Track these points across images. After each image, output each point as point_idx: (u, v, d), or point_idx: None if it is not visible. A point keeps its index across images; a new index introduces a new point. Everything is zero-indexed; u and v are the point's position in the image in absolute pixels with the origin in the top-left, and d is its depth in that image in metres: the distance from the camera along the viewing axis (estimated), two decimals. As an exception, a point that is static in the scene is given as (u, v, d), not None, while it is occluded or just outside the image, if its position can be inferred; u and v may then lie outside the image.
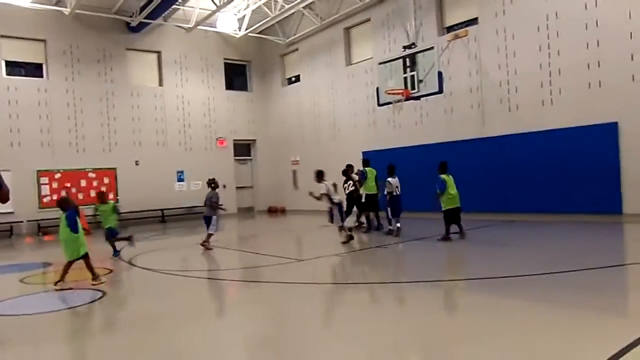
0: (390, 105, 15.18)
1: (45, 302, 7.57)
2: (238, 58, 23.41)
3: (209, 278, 8.41)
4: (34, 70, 19.10)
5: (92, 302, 7.09)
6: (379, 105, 15.63)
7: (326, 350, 4.66)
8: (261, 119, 23.83)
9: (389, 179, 12.13)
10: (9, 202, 5.55)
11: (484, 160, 14.78)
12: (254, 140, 23.80)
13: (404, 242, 11.29)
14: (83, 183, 19.31)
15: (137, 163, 20.34)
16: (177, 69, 21.53)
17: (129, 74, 20.62)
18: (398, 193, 12.15)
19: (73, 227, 7.95)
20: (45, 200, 18.40)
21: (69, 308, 7.07)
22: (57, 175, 18.81)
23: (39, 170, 18.24)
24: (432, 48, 13.81)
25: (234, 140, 23.08)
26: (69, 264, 8.03)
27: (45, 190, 18.52)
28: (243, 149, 23.65)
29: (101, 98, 19.85)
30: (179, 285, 8.21)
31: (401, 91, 14.26)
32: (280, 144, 23.21)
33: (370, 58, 18.24)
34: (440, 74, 13.54)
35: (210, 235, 11.70)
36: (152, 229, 17.75)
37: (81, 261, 8.08)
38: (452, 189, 11.00)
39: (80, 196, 18.86)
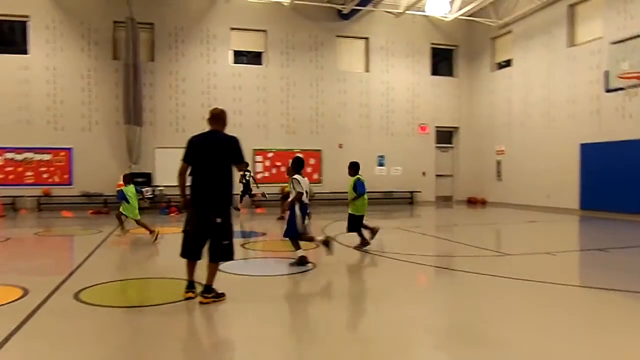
0: (621, 92, 13.35)
1: (263, 267, 8.16)
2: (445, 42, 22.73)
3: (408, 261, 8.24)
4: (254, 58, 20.90)
5: (305, 271, 7.43)
6: (607, 91, 13.86)
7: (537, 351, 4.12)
8: (466, 105, 22.89)
9: (297, 177, 7.90)
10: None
11: None
12: (457, 127, 22.98)
13: (623, 247, 9.79)
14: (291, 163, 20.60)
15: (340, 146, 21.07)
16: (383, 55, 21.71)
17: (337, 60, 21.39)
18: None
19: None
20: (258, 176, 20.09)
21: (285, 274, 7.49)
22: (270, 155, 20.42)
23: (255, 149, 20.01)
24: (683, 22, 11.75)
25: (436, 127, 22.56)
26: None
27: (259, 167, 20.23)
28: (445, 136, 23.01)
29: (311, 83, 20.94)
30: (379, 264, 8.35)
31: (639, 74, 12.41)
32: (484, 132, 22.06)
33: (599, 38, 16.16)
34: (692, 53, 11.46)
35: None
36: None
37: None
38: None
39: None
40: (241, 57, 20.91)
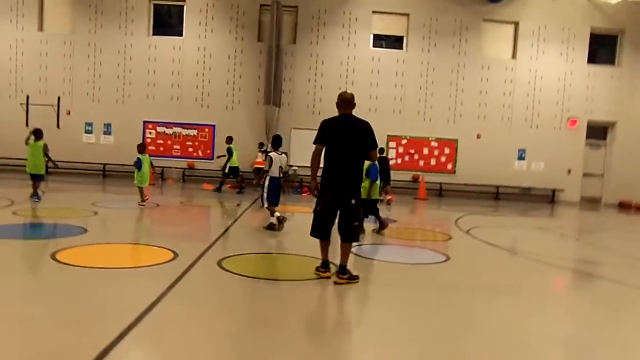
0: None
1: (396, 254, 7.93)
2: (608, 27, 20.48)
3: (546, 262, 7.57)
4: (393, 42, 20.50)
5: (438, 262, 7.14)
6: None
7: None
8: (627, 97, 20.47)
9: (271, 154, 9.06)
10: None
11: None
12: (614, 122, 20.69)
13: None
14: (425, 151, 20.09)
15: (478, 137, 20.05)
16: (533, 41, 20.14)
17: (482, 46, 20.26)
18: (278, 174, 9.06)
19: None
20: (391, 162, 19.81)
21: (417, 263, 7.22)
22: (404, 141, 20.02)
23: (389, 135, 19.72)
24: None
25: (589, 120, 20.53)
26: None
27: (392, 153, 19.92)
28: (597, 132, 20.86)
29: (452, 70, 20.08)
30: (514, 262, 7.97)
31: None
32: (649, 128, 19.63)
33: None
34: None
35: None
36: (484, 205, 17.32)
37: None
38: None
39: (421, 163, 19.83)
40: (380, 40, 20.62)
